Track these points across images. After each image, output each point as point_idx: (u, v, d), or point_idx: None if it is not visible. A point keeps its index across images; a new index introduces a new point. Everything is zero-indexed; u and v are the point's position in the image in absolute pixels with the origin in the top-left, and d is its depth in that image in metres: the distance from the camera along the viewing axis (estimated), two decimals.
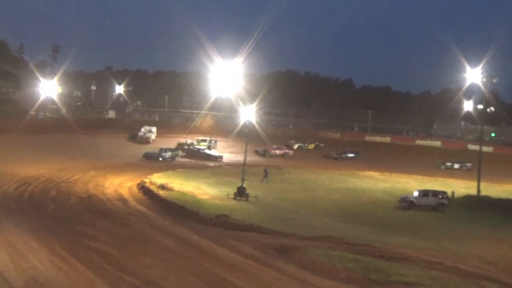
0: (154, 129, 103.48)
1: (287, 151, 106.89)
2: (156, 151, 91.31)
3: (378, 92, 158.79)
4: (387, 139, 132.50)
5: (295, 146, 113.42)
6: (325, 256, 38.31)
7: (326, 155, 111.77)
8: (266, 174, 76.85)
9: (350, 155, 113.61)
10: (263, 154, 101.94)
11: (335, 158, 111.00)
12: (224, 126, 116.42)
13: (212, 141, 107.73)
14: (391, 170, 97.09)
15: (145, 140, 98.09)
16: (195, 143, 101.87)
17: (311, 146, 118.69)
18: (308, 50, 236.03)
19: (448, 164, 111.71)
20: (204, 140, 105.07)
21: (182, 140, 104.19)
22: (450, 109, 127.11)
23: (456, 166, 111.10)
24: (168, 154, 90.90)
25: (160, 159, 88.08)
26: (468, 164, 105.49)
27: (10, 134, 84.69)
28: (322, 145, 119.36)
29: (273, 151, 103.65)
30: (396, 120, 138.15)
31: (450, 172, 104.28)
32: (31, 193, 58.02)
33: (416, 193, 69.13)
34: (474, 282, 34.01)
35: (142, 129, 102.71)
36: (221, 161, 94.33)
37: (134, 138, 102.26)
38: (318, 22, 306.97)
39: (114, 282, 30.42)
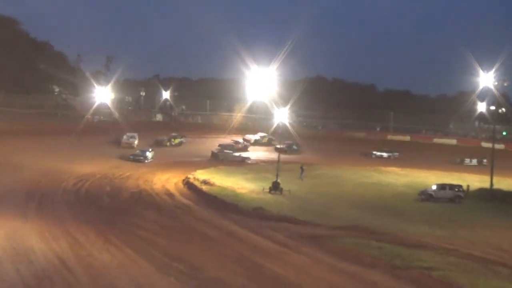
0: (136, 135, 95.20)
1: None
2: (138, 151, 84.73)
3: (399, 95, 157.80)
4: (407, 138, 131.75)
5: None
6: (352, 244, 38.23)
7: (366, 153, 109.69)
8: (302, 170, 76.63)
9: (388, 154, 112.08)
10: (286, 150, 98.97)
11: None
12: (259, 127, 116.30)
13: (243, 143, 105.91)
14: (411, 166, 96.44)
15: (129, 145, 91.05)
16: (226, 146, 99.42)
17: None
18: (335, 58, 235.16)
19: (467, 160, 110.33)
20: (232, 144, 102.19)
21: (223, 140, 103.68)
22: (464, 110, 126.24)
23: (474, 161, 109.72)
24: (150, 154, 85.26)
25: (146, 161, 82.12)
26: (485, 160, 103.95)
27: (69, 135, 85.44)
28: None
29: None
30: (415, 121, 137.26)
31: (465, 168, 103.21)
32: (88, 188, 58.53)
33: (434, 187, 68.71)
34: (488, 267, 33.76)
35: (125, 136, 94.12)
36: (248, 161, 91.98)
37: (118, 143, 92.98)
38: (344, 32, 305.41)
39: (163, 267, 30.59)
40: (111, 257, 32.03)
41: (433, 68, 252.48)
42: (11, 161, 65.71)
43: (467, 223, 54.57)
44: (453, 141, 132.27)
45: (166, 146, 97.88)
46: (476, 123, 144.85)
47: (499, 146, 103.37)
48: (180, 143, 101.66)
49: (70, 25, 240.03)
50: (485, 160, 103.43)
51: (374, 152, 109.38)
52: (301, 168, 77.15)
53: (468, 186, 72.56)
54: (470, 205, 65.77)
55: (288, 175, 72.69)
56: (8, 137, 76.43)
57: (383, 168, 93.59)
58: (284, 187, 63.58)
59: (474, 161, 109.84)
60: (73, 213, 44.69)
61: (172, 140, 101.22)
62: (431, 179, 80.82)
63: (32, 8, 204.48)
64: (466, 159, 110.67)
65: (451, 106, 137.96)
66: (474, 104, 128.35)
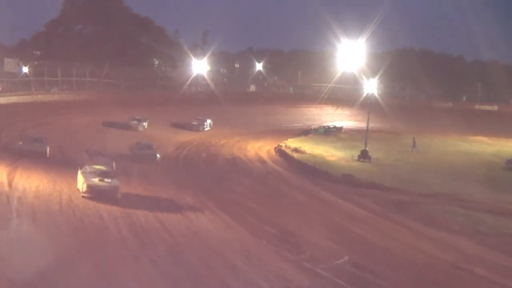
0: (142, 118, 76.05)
1: None
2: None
3: (487, 66, 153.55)
4: (495, 108, 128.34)
5: None
6: (438, 210, 37.86)
7: None
8: (414, 142, 74.57)
9: None
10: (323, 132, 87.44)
11: None
12: (349, 97, 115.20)
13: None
14: (499, 135, 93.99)
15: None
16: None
17: None
18: (424, 29, 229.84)
19: None
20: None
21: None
22: None
23: None
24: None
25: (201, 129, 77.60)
26: None
27: (168, 105, 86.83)
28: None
29: None
30: (503, 91, 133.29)
31: None
32: (186, 155, 59.52)
33: None
34: None
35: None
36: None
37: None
38: (433, 2, 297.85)
39: (255, 230, 30.97)
40: (206, 221, 32.59)
41: None
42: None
43: None
44: None
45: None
46: None
47: None
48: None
49: (170, 1, 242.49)
50: None
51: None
52: (413, 140, 75.11)
53: None
54: None
55: (377, 143, 71.93)
56: (110, 106, 78.06)
57: (471, 138, 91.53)
58: (373, 155, 62.97)
59: None
60: (173, 178, 45.53)
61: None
62: None
63: None
64: None
65: None
66: None
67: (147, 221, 30.64)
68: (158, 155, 50.63)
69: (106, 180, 34.49)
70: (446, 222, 34.90)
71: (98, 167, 36.31)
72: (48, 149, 46.73)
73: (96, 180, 34.15)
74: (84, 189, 33.78)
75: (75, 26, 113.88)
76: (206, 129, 79.60)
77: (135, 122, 72.52)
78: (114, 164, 41.34)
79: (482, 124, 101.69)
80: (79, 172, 35.92)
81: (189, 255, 25.97)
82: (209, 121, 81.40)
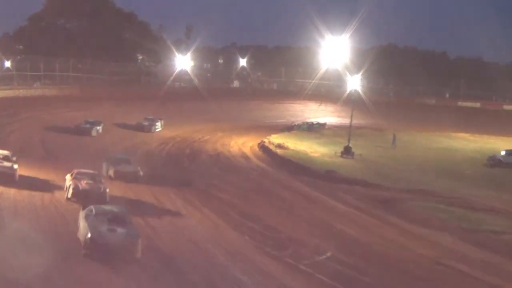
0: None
1: None
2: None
3: (470, 63, 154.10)
4: (477, 105, 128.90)
5: None
6: (421, 207, 38.00)
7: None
8: (394, 138, 74.84)
9: None
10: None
11: None
12: (333, 93, 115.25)
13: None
14: (481, 132, 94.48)
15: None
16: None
17: None
18: (407, 26, 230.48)
19: None
20: None
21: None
22: None
23: None
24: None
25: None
26: None
27: (151, 101, 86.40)
28: None
29: None
30: (485, 88, 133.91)
31: None
32: (169, 151, 59.43)
33: (503, 152, 67.04)
34: None
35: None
36: None
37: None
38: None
39: (239, 226, 30.93)
40: (190, 217, 32.50)
41: (507, 35, 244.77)
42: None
43: None
44: None
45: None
46: None
47: None
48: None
49: None
50: None
51: None
52: (394, 135, 75.40)
53: None
54: None
55: (360, 139, 72.01)
56: (94, 102, 77.71)
57: (453, 134, 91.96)
58: (356, 151, 63.08)
59: None
60: (156, 174, 45.35)
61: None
62: (501, 145, 78.98)
63: None
64: None
65: None
66: None
67: None
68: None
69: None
70: (428, 219, 35.02)
71: None
72: None
73: None
74: None
75: (58, 21, 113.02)
76: (157, 129, 71.54)
77: (88, 126, 63.05)
78: None
79: (464, 120, 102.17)
80: None
81: (172, 251, 25.85)
82: (160, 121, 73.17)
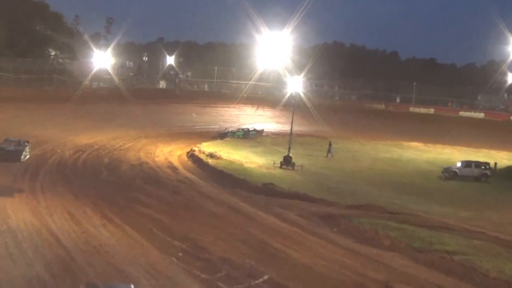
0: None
1: None
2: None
3: (423, 64, 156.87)
4: (431, 111, 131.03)
5: None
6: (369, 224, 38.29)
7: None
8: (330, 146, 75.29)
9: None
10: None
11: None
12: (271, 96, 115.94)
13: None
14: (435, 141, 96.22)
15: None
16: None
17: None
18: (354, 23, 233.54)
19: None
20: None
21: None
22: (494, 81, 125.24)
23: None
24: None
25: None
26: None
27: (65, 103, 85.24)
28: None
29: None
30: (440, 92, 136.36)
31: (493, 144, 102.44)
32: (85, 160, 58.77)
33: (459, 164, 68.43)
34: None
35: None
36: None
37: None
38: None
39: (164, 246, 30.74)
40: (109, 235, 32.19)
41: (462, 35, 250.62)
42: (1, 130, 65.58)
43: (494, 203, 54.32)
44: (481, 115, 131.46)
45: None
46: (506, 96, 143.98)
47: None
48: None
49: None
50: None
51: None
52: (330, 144, 76.22)
53: (495, 163, 72.20)
54: (498, 184, 65.45)
55: (301, 148, 72.65)
56: None
57: (405, 143, 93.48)
58: (297, 162, 63.46)
59: None
60: (69, 187, 44.82)
61: None
62: (456, 155, 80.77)
63: None
64: None
65: (480, 76, 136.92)
66: (505, 75, 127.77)
67: (39, 236, 30.06)
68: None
69: None
70: (377, 237, 35.36)
71: None
72: None
73: None
74: None
75: None
76: (27, 157, 53.84)
77: None
78: None
79: (417, 128, 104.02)
80: None
81: (88, 274, 25.56)
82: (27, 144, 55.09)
